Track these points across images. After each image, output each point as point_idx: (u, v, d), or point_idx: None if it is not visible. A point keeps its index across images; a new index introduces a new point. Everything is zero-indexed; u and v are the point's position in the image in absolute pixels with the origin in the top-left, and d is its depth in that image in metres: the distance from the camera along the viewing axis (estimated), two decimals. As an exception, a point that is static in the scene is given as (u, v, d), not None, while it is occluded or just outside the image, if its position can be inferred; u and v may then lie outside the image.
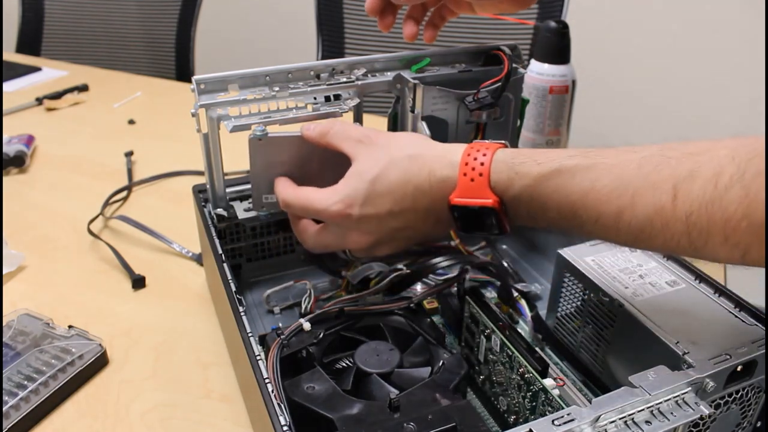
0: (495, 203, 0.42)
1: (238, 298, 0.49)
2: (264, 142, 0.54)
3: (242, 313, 0.48)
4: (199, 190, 0.63)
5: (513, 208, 0.42)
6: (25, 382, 0.54)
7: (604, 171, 0.39)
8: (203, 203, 0.62)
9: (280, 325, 0.50)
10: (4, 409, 0.52)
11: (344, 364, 0.48)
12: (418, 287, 0.62)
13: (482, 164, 0.42)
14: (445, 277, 0.61)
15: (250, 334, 0.46)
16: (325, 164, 0.54)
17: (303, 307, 0.58)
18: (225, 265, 0.53)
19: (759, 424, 0.46)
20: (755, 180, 0.33)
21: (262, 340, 0.50)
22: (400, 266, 0.58)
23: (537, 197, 0.41)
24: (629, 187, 0.38)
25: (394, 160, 0.46)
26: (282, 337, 0.47)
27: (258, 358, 0.44)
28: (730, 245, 0.35)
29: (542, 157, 0.41)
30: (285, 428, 0.38)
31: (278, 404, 0.40)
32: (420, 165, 0.45)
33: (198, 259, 0.74)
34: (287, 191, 0.52)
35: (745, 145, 0.35)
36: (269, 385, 0.42)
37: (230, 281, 0.51)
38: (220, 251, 0.55)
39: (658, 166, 0.37)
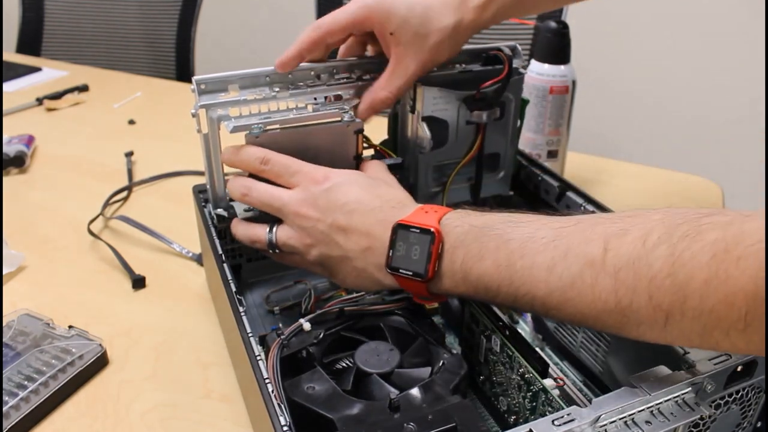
0: (437, 231, 0.44)
1: (238, 298, 0.49)
2: (260, 140, 0.54)
3: (242, 314, 0.48)
4: (199, 191, 0.63)
5: (450, 252, 0.43)
6: (26, 383, 0.54)
7: (545, 224, 0.41)
8: (203, 203, 0.62)
9: (280, 325, 0.50)
10: (4, 409, 0.52)
11: (344, 365, 0.48)
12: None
13: (436, 211, 0.46)
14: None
15: (250, 335, 0.46)
16: (318, 158, 0.55)
17: (303, 307, 0.58)
18: (225, 265, 0.53)
19: (759, 424, 0.46)
20: (681, 241, 0.34)
21: (262, 340, 0.50)
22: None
23: (479, 240, 0.42)
24: (565, 239, 0.39)
25: (362, 176, 0.52)
26: (282, 337, 0.47)
27: (258, 358, 0.44)
28: (654, 306, 0.35)
29: (493, 212, 0.45)
30: (285, 428, 0.38)
31: (278, 404, 0.40)
32: (385, 188, 0.51)
33: (198, 259, 0.74)
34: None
35: (676, 212, 0.36)
36: (269, 385, 0.42)
37: (230, 281, 0.51)
38: (220, 251, 0.55)
39: (594, 224, 0.39)
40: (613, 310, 0.37)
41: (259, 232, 0.54)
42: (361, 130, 0.58)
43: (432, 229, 0.44)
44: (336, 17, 0.55)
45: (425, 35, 0.55)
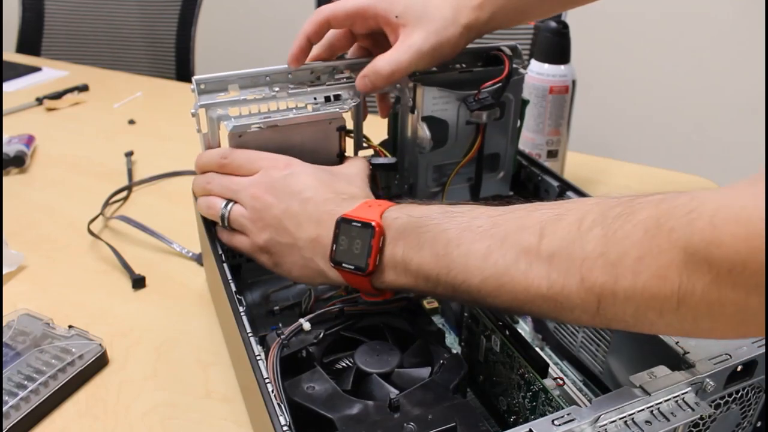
0: (377, 225, 0.44)
1: (238, 298, 0.49)
2: (243, 139, 0.54)
3: (242, 313, 0.48)
4: None
5: (391, 245, 0.44)
6: (25, 382, 0.54)
7: (483, 214, 0.41)
8: None
9: (280, 325, 0.50)
10: (4, 409, 0.52)
11: (344, 364, 0.48)
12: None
13: (380, 205, 0.46)
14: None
15: (250, 334, 0.46)
16: (302, 156, 0.55)
17: (303, 307, 0.58)
18: (225, 265, 0.53)
19: (759, 424, 0.46)
20: (615, 221, 0.34)
21: (262, 340, 0.49)
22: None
23: (418, 231, 0.43)
24: (501, 228, 0.39)
25: (324, 170, 0.53)
26: (282, 337, 0.47)
27: (258, 358, 0.44)
28: (586, 288, 0.35)
29: (434, 203, 0.45)
30: (285, 428, 0.38)
31: (278, 404, 0.40)
32: (344, 184, 0.52)
33: (198, 259, 0.74)
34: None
35: (612, 197, 0.36)
36: (269, 385, 0.42)
37: (230, 281, 0.51)
38: (220, 251, 0.55)
39: (531, 211, 0.39)
40: (546, 296, 0.37)
41: (215, 202, 0.54)
42: (343, 127, 0.58)
43: (372, 223, 0.44)
44: (339, 3, 0.56)
45: (430, 20, 0.55)
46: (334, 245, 0.46)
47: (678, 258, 0.31)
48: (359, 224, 0.45)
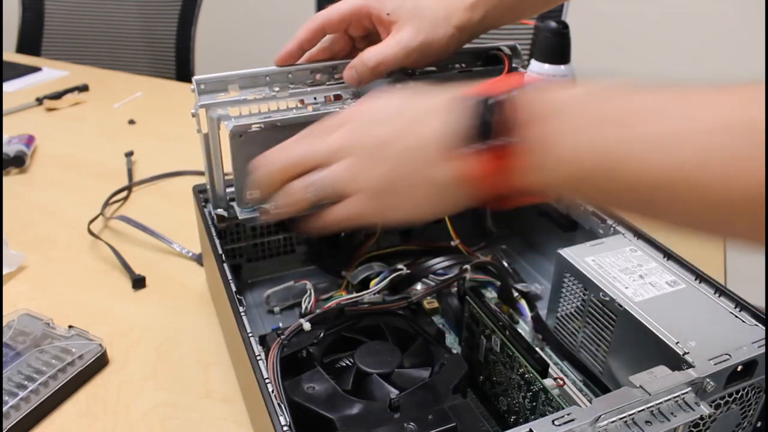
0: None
1: (238, 298, 0.49)
2: (243, 138, 0.54)
3: (242, 314, 0.48)
4: (199, 190, 0.63)
5: (535, 125, 0.34)
6: (25, 382, 0.54)
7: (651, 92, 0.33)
8: (203, 203, 0.62)
9: (280, 325, 0.50)
10: (4, 409, 0.52)
11: (344, 364, 0.48)
12: (419, 286, 0.62)
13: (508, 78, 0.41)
14: (445, 277, 0.61)
15: (250, 334, 0.46)
16: None
17: (303, 307, 0.58)
18: (225, 265, 0.53)
19: (759, 424, 0.46)
20: None
21: (263, 340, 0.50)
22: (400, 266, 0.58)
23: (573, 110, 0.34)
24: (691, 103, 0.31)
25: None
26: (282, 337, 0.47)
27: (258, 358, 0.44)
28: None
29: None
30: (285, 428, 0.38)
31: (278, 404, 0.40)
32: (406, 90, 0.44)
33: (198, 259, 0.74)
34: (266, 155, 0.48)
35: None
36: (269, 385, 0.42)
37: (230, 281, 0.51)
38: (220, 251, 0.55)
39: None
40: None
41: (296, 186, 0.46)
42: None
43: (507, 91, 0.36)
44: (333, 7, 0.56)
45: (420, 18, 0.55)
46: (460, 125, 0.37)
47: None
48: (486, 98, 0.36)
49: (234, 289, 0.50)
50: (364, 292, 0.55)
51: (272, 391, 0.41)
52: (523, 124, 0.35)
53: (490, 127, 0.35)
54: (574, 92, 0.35)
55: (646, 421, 0.38)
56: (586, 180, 0.34)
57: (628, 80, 0.34)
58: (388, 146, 0.42)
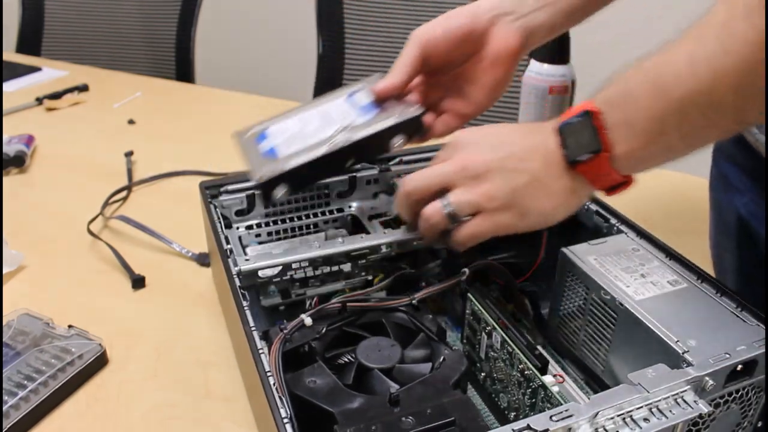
0: (592, 107, 0.45)
1: (242, 292, 0.50)
2: None
3: (246, 308, 0.48)
4: (206, 187, 0.63)
5: (611, 117, 0.44)
6: (25, 382, 0.54)
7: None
8: (209, 199, 0.62)
9: (285, 321, 0.50)
10: (4, 408, 0.52)
11: (346, 360, 0.48)
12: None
13: (583, 102, 0.47)
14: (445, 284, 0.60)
15: (253, 328, 0.46)
16: None
17: (307, 303, 0.59)
18: (230, 260, 0.53)
19: (759, 424, 0.46)
20: None
21: (266, 335, 0.50)
22: (403, 266, 0.58)
23: (623, 90, 0.44)
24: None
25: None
26: (285, 331, 0.48)
27: (261, 352, 0.44)
28: None
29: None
30: (285, 421, 0.38)
31: (279, 397, 0.40)
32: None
33: (198, 259, 0.74)
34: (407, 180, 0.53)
35: None
36: (271, 379, 0.42)
37: (234, 276, 0.51)
38: (225, 246, 0.55)
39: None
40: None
41: (432, 210, 0.50)
42: None
43: (587, 108, 0.45)
44: (438, 25, 0.56)
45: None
46: (564, 150, 0.46)
47: None
48: (577, 117, 0.45)
49: (239, 284, 0.50)
50: (367, 288, 0.55)
51: (274, 384, 0.41)
52: (607, 120, 0.44)
53: (595, 131, 0.44)
54: (610, 88, 0.45)
55: (644, 419, 0.38)
56: (656, 132, 0.43)
57: (635, 60, 0.45)
58: (513, 163, 0.48)
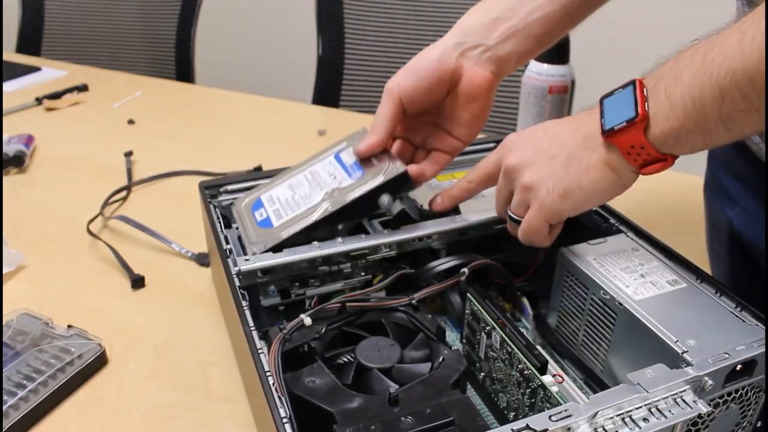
0: (637, 80, 0.45)
1: (241, 292, 0.50)
2: None
3: (245, 308, 0.48)
4: (205, 187, 0.63)
5: (653, 89, 0.44)
6: (25, 382, 0.54)
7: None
8: (209, 199, 0.62)
9: (285, 321, 0.50)
10: (3, 408, 0.52)
11: (345, 359, 0.48)
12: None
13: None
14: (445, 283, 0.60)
15: (252, 328, 0.46)
16: None
17: (306, 303, 0.59)
18: (229, 260, 0.53)
19: (759, 424, 0.46)
20: None
21: (265, 335, 0.50)
22: (403, 266, 0.58)
23: (672, 67, 0.44)
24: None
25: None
26: (284, 331, 0.48)
27: (260, 351, 0.44)
28: None
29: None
30: (285, 420, 0.38)
31: (278, 397, 0.40)
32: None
33: (197, 258, 0.74)
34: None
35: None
36: (270, 378, 0.42)
37: (234, 276, 0.51)
38: (225, 246, 0.55)
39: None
40: None
41: (509, 224, 0.54)
42: None
43: (634, 80, 0.45)
44: (409, 75, 0.57)
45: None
46: (602, 119, 0.46)
47: None
48: (621, 87, 0.46)
49: (238, 284, 0.51)
50: (367, 289, 0.55)
51: (273, 384, 0.41)
52: (649, 93, 0.44)
53: (634, 100, 0.44)
54: (660, 66, 0.45)
55: (644, 419, 0.38)
56: (696, 111, 0.42)
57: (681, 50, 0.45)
58: (547, 147, 0.49)
